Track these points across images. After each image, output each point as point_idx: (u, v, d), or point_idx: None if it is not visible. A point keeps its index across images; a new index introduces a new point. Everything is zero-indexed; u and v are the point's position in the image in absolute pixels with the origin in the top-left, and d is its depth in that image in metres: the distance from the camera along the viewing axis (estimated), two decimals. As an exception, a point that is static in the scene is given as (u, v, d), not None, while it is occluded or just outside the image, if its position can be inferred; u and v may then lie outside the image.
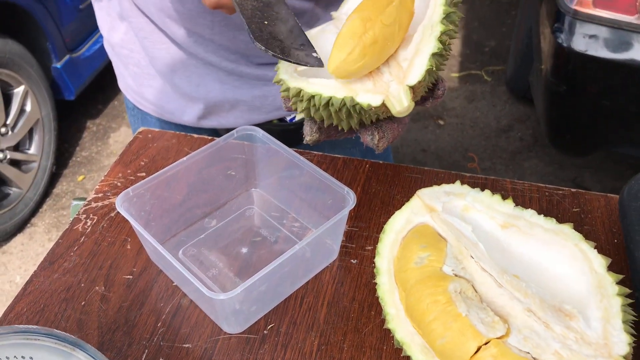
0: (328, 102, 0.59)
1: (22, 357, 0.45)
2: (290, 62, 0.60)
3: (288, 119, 1.04)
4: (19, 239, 2.37)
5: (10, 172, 2.31)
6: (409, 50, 0.61)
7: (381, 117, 0.62)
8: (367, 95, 0.59)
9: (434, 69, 0.60)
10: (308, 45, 0.62)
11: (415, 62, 0.60)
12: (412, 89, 0.59)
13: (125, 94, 1.09)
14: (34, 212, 2.46)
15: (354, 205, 0.69)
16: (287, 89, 0.62)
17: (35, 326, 0.47)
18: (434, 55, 0.59)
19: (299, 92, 0.61)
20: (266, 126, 1.01)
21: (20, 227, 2.40)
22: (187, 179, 0.77)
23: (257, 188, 0.84)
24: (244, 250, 0.76)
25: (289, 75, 0.63)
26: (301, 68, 0.63)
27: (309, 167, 0.74)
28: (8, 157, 2.29)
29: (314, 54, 0.62)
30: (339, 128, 0.63)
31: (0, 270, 2.25)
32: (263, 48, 0.60)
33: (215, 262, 0.75)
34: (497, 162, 2.62)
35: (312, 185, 0.75)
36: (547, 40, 1.82)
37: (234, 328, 0.67)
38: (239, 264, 0.74)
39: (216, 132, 1.08)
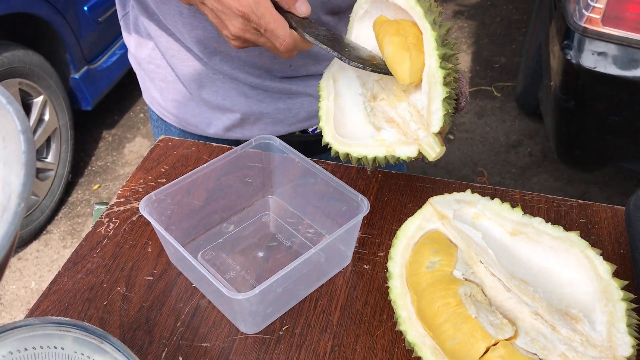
0: (374, 159, 0.71)
1: (55, 347, 0.48)
2: (387, 74, 0.71)
3: (310, 130, 1.07)
4: (34, 245, 2.41)
5: (27, 179, 2.35)
6: (423, 99, 0.69)
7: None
8: (403, 148, 0.68)
9: (450, 111, 0.67)
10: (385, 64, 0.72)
11: (431, 109, 0.67)
12: (439, 133, 0.67)
13: (151, 106, 1.12)
14: (49, 219, 2.50)
15: (367, 211, 0.72)
16: (337, 152, 0.73)
17: (66, 318, 0.50)
18: (444, 100, 0.66)
19: (347, 155, 0.72)
20: (288, 137, 1.04)
21: (36, 234, 2.44)
22: (206, 185, 0.80)
23: (273, 195, 0.87)
24: (260, 254, 0.79)
25: (334, 140, 0.74)
26: (339, 131, 0.75)
27: (323, 175, 0.77)
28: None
29: (359, 59, 0.72)
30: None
31: (15, 276, 2.29)
32: (360, 66, 0.70)
33: (233, 265, 0.77)
34: (506, 177, 2.64)
35: (327, 193, 0.78)
36: (557, 57, 1.84)
37: (250, 328, 0.69)
38: (256, 267, 0.77)
39: (239, 143, 1.10)
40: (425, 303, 0.60)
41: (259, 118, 1.02)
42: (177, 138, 0.97)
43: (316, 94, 1.02)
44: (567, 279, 0.61)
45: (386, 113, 0.72)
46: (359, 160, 0.72)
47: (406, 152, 0.67)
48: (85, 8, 2.55)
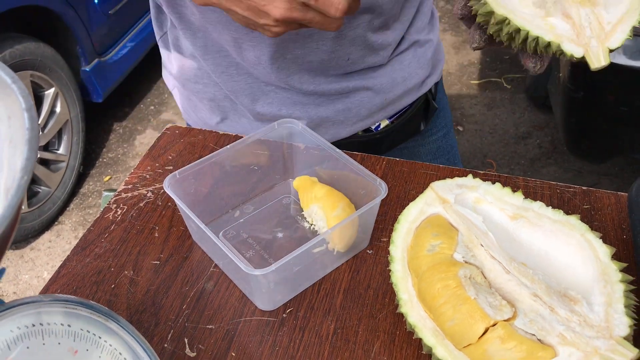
0: (529, 38, 0.60)
1: (62, 324, 0.49)
2: None
3: (373, 127, 1.05)
4: (46, 236, 2.45)
5: (39, 171, 2.38)
6: (613, 16, 0.62)
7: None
8: (571, 45, 0.60)
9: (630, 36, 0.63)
10: None
11: (618, 29, 0.61)
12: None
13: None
14: (61, 210, 2.53)
15: (385, 195, 0.73)
16: (489, 13, 0.61)
17: (73, 296, 0.51)
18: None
19: (504, 20, 0.60)
20: (350, 139, 1.02)
21: (48, 225, 2.47)
22: (228, 167, 0.82)
23: (294, 178, 0.88)
24: (280, 235, 0.80)
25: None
26: None
27: (344, 159, 0.78)
28: (38, 156, 2.36)
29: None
30: (505, 45, 0.63)
31: (28, 266, 2.33)
32: None
33: (253, 244, 0.79)
34: (516, 168, 2.63)
35: (346, 177, 0.79)
36: (567, 46, 1.83)
37: (266, 305, 0.71)
38: (275, 247, 0.78)
39: None
40: (425, 285, 0.61)
41: (319, 124, 1.00)
42: (184, 126, 0.98)
43: (376, 86, 0.99)
44: (567, 262, 0.61)
45: (565, 7, 0.64)
46: (498, 31, 0.61)
47: (573, 50, 0.60)
48: (96, 1, 2.57)
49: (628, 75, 1.76)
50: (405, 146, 1.12)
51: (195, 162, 0.77)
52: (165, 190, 0.74)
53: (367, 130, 1.05)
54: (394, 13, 0.95)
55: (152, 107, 3.08)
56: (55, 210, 2.48)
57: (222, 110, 1.02)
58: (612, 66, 2.06)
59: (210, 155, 0.79)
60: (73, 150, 2.54)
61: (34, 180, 2.41)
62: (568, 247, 0.62)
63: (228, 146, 0.80)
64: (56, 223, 2.50)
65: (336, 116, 1.00)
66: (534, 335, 0.56)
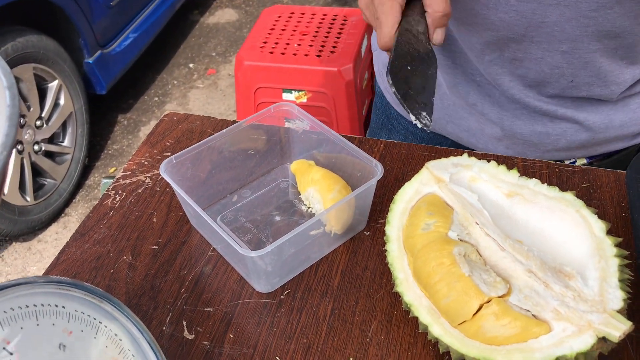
0: None
1: (56, 305, 0.50)
2: (404, 107, 0.63)
3: (567, 161, 0.95)
4: (53, 228, 2.46)
5: (45, 163, 2.40)
6: (592, 274, 0.56)
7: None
8: (578, 339, 0.52)
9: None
10: (429, 110, 0.64)
11: (605, 286, 0.55)
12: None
13: (384, 92, 1.07)
14: (67, 202, 2.54)
15: (381, 175, 0.72)
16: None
17: (67, 278, 0.51)
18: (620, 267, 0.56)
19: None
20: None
21: (54, 217, 2.48)
22: (226, 151, 0.82)
23: (291, 162, 0.88)
24: (278, 218, 0.81)
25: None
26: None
27: (341, 142, 0.78)
28: (43, 149, 2.38)
29: (427, 118, 0.62)
30: None
31: (36, 257, 2.34)
32: (390, 82, 0.63)
33: (251, 228, 0.79)
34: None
35: (344, 160, 0.79)
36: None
37: (264, 287, 0.71)
38: (273, 230, 0.79)
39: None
40: (420, 264, 0.61)
41: (508, 136, 0.92)
42: (181, 113, 0.98)
43: (587, 122, 0.88)
44: (563, 239, 0.61)
45: (541, 300, 0.56)
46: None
47: (579, 345, 0.51)
48: (98, -8, 2.57)
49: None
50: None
51: (191, 146, 0.78)
52: (162, 175, 0.74)
53: (560, 161, 0.93)
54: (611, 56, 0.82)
55: (156, 99, 3.09)
56: (62, 202, 2.49)
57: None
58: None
59: (206, 140, 0.79)
60: (78, 143, 2.55)
61: (40, 173, 2.42)
62: (563, 223, 0.61)
63: (224, 130, 0.80)
64: (63, 215, 2.51)
65: (530, 136, 0.92)
66: (528, 311, 0.55)
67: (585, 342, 0.51)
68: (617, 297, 0.53)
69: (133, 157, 0.91)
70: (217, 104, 3.02)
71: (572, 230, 0.60)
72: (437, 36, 0.68)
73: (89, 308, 0.52)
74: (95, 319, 0.52)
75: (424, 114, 0.63)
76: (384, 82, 1.08)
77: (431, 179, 0.68)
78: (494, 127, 0.93)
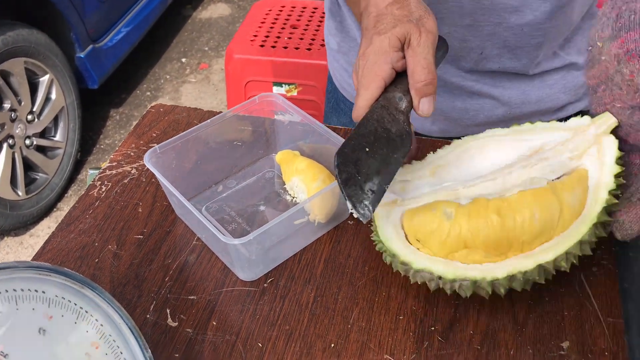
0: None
1: (36, 290, 0.50)
2: (342, 193, 0.59)
3: None
4: (45, 222, 2.46)
5: (36, 158, 2.39)
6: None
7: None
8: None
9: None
10: (376, 198, 0.60)
11: None
12: None
13: (332, 76, 1.11)
14: (59, 197, 2.54)
15: None
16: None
17: (46, 263, 0.52)
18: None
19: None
20: None
21: (46, 212, 2.48)
22: (211, 141, 0.83)
23: (276, 153, 0.88)
24: (262, 208, 0.81)
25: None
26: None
27: (325, 133, 0.79)
28: (34, 143, 2.37)
29: (368, 208, 0.59)
30: None
31: (28, 252, 2.34)
32: (336, 163, 0.60)
33: (235, 217, 0.80)
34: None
35: (328, 150, 0.80)
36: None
37: (247, 275, 0.72)
38: (257, 220, 0.79)
39: None
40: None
41: (433, 113, 0.97)
42: (168, 104, 0.99)
43: (503, 97, 0.93)
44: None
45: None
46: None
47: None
48: (89, -13, 2.56)
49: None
50: None
51: (176, 137, 0.78)
52: (146, 165, 0.75)
53: None
54: (545, 22, 0.86)
55: (149, 93, 3.08)
56: (54, 197, 2.49)
57: None
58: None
59: (190, 130, 0.79)
60: (70, 137, 2.54)
61: (32, 167, 2.42)
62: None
63: (208, 121, 0.81)
64: (55, 210, 2.51)
65: (451, 112, 0.96)
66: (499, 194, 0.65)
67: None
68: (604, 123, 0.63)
69: (119, 148, 0.91)
70: (210, 99, 3.02)
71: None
72: (424, 107, 0.65)
73: (70, 293, 0.53)
74: (75, 304, 0.53)
75: (366, 202, 0.59)
76: (332, 66, 1.09)
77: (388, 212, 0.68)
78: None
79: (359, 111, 0.65)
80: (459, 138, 0.73)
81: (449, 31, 0.86)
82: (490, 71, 0.91)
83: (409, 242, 0.65)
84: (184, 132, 0.79)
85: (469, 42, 0.87)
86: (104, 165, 0.89)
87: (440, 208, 0.63)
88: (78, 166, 2.66)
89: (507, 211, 0.61)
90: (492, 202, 0.62)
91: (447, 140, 0.89)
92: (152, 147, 0.90)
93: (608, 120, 0.61)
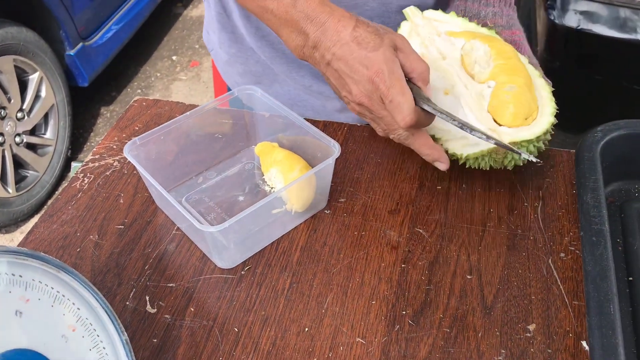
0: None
1: (13, 274, 0.52)
2: (509, 150, 0.73)
3: None
4: (36, 219, 2.47)
5: (27, 155, 2.40)
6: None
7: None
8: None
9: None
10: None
11: None
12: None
13: (231, 87, 1.13)
14: (50, 194, 2.55)
15: (338, 154, 0.75)
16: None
17: (23, 248, 0.53)
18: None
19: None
20: None
21: (37, 209, 2.49)
22: (191, 133, 0.84)
23: (257, 145, 0.90)
24: (241, 198, 0.83)
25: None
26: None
27: (302, 124, 0.81)
28: (25, 140, 2.38)
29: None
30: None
31: (18, 249, 2.35)
32: (484, 137, 0.71)
33: (215, 207, 0.81)
34: (501, 142, 2.65)
35: (305, 141, 0.82)
36: (542, 19, 1.85)
37: (225, 263, 0.73)
38: (236, 209, 0.81)
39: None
40: None
41: (346, 107, 1.00)
42: (151, 99, 1.00)
43: None
44: None
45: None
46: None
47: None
48: (78, -16, 2.57)
49: (603, 45, 1.78)
50: None
51: (155, 129, 0.80)
52: (126, 156, 0.76)
53: None
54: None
55: (139, 91, 3.09)
56: (44, 195, 2.50)
57: (285, 84, 1.04)
58: (587, 35, 2.08)
59: (169, 122, 0.81)
60: (60, 135, 2.55)
61: (22, 165, 2.43)
62: None
63: (187, 113, 0.82)
64: (45, 207, 2.52)
65: None
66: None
67: None
68: None
69: (102, 141, 0.93)
70: (200, 96, 3.03)
71: None
72: (429, 90, 0.74)
73: (47, 278, 0.54)
74: (53, 288, 0.54)
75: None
76: (225, 73, 1.12)
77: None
78: (333, 102, 1.01)
79: (411, 113, 0.70)
80: None
81: (365, 3, 0.92)
82: None
83: None
84: (164, 124, 0.80)
85: (382, 18, 0.94)
86: (87, 158, 0.91)
87: None
88: (69, 163, 2.67)
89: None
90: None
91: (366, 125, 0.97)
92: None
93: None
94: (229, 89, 1.16)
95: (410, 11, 0.88)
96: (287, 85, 1.04)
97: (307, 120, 0.93)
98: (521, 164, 0.78)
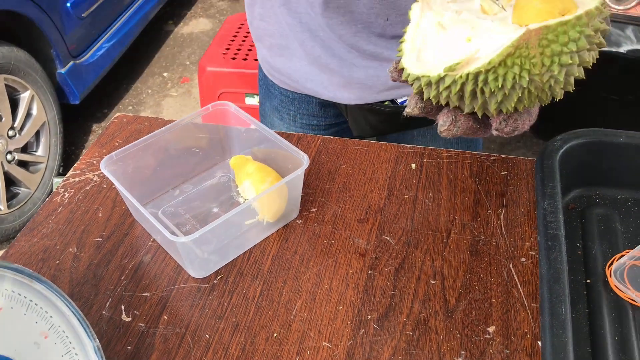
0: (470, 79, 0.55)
1: (-13, 284, 0.54)
2: None
3: (399, 101, 1.09)
4: (27, 236, 2.49)
5: (18, 172, 2.43)
6: None
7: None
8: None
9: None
10: None
11: None
12: None
13: (261, 65, 1.19)
14: (41, 211, 2.57)
15: (307, 166, 0.78)
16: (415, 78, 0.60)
17: (-2, 259, 0.56)
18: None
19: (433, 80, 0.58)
20: (377, 107, 1.08)
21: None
22: (167, 148, 0.87)
23: (231, 158, 0.92)
24: (216, 210, 0.86)
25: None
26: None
27: (273, 138, 0.84)
28: (16, 158, 2.41)
29: None
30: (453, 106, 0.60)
31: (10, 266, 2.37)
32: None
33: (189, 219, 0.84)
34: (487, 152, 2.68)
35: (278, 154, 0.85)
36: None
37: (197, 272, 0.76)
38: (210, 221, 0.82)
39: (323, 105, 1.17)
40: None
41: (349, 83, 1.06)
42: (131, 115, 1.03)
43: None
44: None
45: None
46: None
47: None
48: (69, 5, 2.61)
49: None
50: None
51: (131, 144, 0.82)
52: (102, 171, 0.79)
53: (393, 101, 1.08)
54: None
55: (131, 107, 3.13)
56: (36, 211, 2.52)
57: (277, 48, 1.09)
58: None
59: (145, 137, 0.84)
60: (52, 152, 2.58)
61: (13, 182, 2.45)
62: None
63: (164, 128, 0.85)
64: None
65: (366, 80, 1.05)
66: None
67: None
68: None
69: (83, 157, 0.96)
70: (191, 111, 3.07)
71: None
72: None
73: (20, 287, 0.57)
74: (25, 297, 0.57)
75: None
76: (260, 53, 1.18)
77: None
78: (337, 77, 1.06)
79: None
80: (372, 104, 0.95)
81: None
82: (397, 36, 0.98)
83: None
84: (140, 140, 0.83)
85: (376, 9, 0.96)
86: (68, 173, 0.93)
87: None
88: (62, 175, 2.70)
89: None
90: None
91: (363, 105, 1.07)
92: (114, 155, 0.95)
93: None
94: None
95: None
96: (302, 59, 1.08)
97: (282, 133, 0.96)
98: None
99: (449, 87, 0.57)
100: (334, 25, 0.99)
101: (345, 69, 1.05)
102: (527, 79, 0.54)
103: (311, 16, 1.00)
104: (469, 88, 0.56)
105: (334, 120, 1.20)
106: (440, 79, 0.57)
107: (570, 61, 0.54)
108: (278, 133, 0.96)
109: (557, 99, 0.59)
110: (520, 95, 0.56)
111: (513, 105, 0.57)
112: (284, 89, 1.17)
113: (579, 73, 0.57)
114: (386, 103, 1.09)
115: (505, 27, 0.57)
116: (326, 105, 1.17)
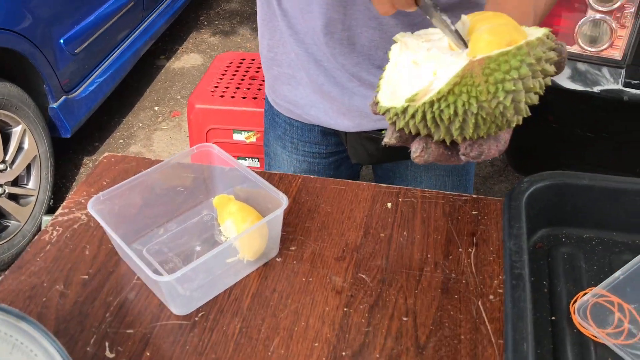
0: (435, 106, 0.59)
1: (-25, 324, 0.57)
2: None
3: None
4: (16, 269, 2.50)
5: (8, 205, 2.45)
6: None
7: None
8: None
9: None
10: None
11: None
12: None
13: (267, 95, 1.25)
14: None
15: (286, 205, 0.81)
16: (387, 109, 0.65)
17: (-13, 299, 0.59)
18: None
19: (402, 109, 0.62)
20: (375, 135, 1.12)
21: (18, 258, 2.52)
22: (152, 187, 0.91)
23: (214, 197, 0.96)
24: (198, 249, 0.89)
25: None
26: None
27: (254, 179, 0.88)
28: (7, 191, 2.43)
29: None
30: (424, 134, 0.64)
31: (-3, 299, 2.37)
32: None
33: (173, 257, 0.87)
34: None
35: (258, 194, 0.88)
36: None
37: (179, 310, 0.79)
38: (193, 260, 0.86)
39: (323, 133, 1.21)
40: None
41: (350, 111, 1.11)
42: (119, 154, 1.07)
43: None
44: None
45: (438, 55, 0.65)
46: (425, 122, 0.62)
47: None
48: (62, 41, 2.67)
49: (564, 96, 1.88)
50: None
51: (117, 185, 0.86)
52: (89, 212, 0.82)
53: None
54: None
55: (122, 141, 3.17)
56: (25, 244, 2.53)
57: (283, 77, 1.15)
58: (551, 87, 2.21)
59: (131, 178, 0.87)
60: (42, 185, 2.61)
61: (3, 215, 2.47)
62: None
63: (149, 169, 0.89)
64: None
65: (364, 108, 1.09)
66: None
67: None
68: None
69: (72, 196, 0.99)
70: (181, 144, 3.11)
71: None
72: None
73: (7, 327, 0.60)
74: (12, 336, 0.60)
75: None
76: (267, 81, 1.23)
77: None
78: (337, 104, 1.11)
79: None
80: (370, 131, 1.01)
81: (361, 32, 1.00)
82: None
83: None
84: (126, 180, 0.87)
85: (376, 42, 1.00)
86: (57, 212, 0.96)
87: None
88: (51, 213, 2.71)
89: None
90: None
91: (361, 133, 1.12)
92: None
93: None
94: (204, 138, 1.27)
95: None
96: (307, 87, 1.13)
97: (264, 173, 1.00)
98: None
99: (413, 115, 0.62)
100: (337, 55, 1.04)
101: (346, 97, 1.10)
102: (476, 105, 0.58)
103: (317, 46, 1.05)
104: (428, 116, 0.61)
105: (334, 148, 1.25)
106: (404, 109, 0.62)
107: (514, 87, 0.57)
108: (259, 173, 1.00)
109: (514, 124, 0.62)
110: (474, 121, 0.59)
111: (472, 131, 0.60)
112: (288, 117, 1.22)
113: (529, 99, 0.60)
114: (383, 132, 1.12)
115: (460, 59, 0.61)
116: (327, 134, 1.21)
